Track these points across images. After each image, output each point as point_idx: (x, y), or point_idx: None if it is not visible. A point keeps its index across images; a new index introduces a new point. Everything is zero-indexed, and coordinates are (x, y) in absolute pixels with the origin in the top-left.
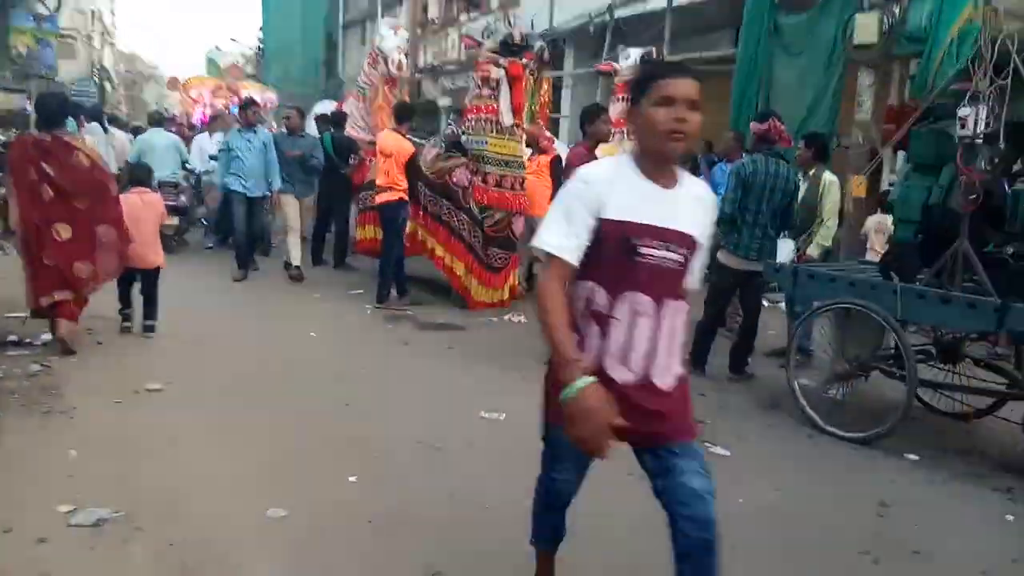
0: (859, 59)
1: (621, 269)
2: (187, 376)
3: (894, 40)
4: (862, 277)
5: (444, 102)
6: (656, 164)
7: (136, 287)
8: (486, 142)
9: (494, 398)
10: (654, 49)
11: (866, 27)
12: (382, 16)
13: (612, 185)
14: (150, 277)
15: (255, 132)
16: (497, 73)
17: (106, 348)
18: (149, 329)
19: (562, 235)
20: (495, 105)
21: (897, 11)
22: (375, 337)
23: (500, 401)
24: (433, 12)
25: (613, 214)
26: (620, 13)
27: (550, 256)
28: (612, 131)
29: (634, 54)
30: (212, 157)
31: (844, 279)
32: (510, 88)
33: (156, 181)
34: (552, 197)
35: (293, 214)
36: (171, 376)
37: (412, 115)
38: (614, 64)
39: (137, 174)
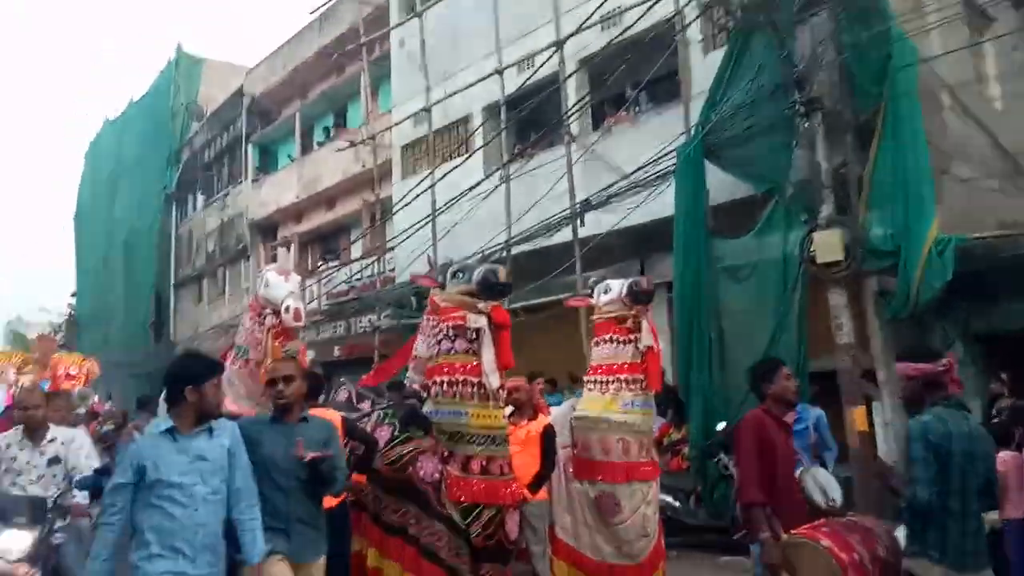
0: (826, 278)
1: None
2: None
3: (861, 255)
4: None
5: (309, 356)
6: None
7: None
8: (465, 413)
9: None
10: (644, 279)
11: (829, 245)
12: (230, 267)
13: None
14: None
15: (211, 433)
16: (477, 321)
17: None
18: None
19: None
20: (475, 363)
21: (854, 226)
22: None
23: None
24: (283, 263)
25: None
26: (519, 248)
27: None
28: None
29: (616, 286)
30: (83, 484)
31: None
32: (494, 340)
33: None
34: (540, 475)
35: None
36: None
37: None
38: (590, 299)
39: None
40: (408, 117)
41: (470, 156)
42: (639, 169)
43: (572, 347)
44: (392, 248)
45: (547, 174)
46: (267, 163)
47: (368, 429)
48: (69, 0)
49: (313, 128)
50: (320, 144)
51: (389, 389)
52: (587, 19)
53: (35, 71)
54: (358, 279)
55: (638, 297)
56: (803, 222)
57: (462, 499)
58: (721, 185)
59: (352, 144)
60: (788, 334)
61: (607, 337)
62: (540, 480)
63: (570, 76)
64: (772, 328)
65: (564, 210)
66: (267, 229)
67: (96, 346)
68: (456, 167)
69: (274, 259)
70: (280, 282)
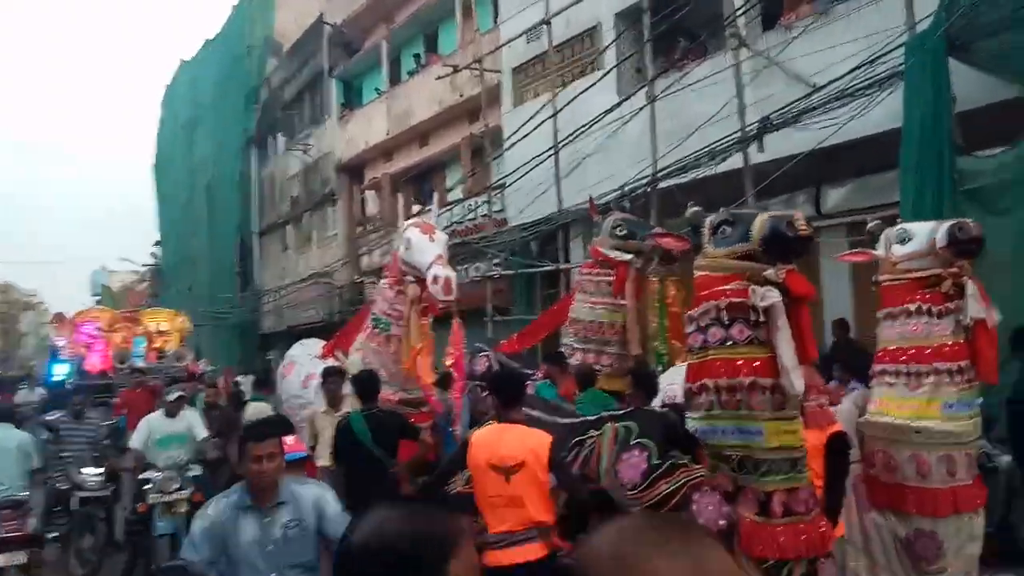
0: None
1: None
2: None
3: None
4: None
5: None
6: None
7: None
8: (759, 431)
9: None
10: (970, 222)
11: None
12: (297, 221)
13: None
14: None
15: None
16: (767, 297)
17: None
18: None
19: None
20: (766, 356)
21: None
22: None
23: None
24: (373, 208)
25: None
26: (667, 183)
27: None
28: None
29: (923, 232)
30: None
31: None
32: (791, 320)
33: None
34: (830, 506)
35: None
36: None
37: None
38: (872, 251)
39: None
40: (522, 33)
41: (606, 74)
42: (851, 72)
43: None
44: (503, 187)
45: (698, 92)
46: (352, 99)
47: (601, 452)
48: None
49: (401, 57)
50: (410, 74)
51: (547, 361)
52: None
53: (114, 13)
54: (459, 223)
55: (963, 247)
56: None
57: (766, 555)
58: (963, 87)
59: (455, 69)
60: None
61: (912, 307)
62: (831, 512)
63: None
64: None
65: (733, 132)
66: (354, 170)
67: (182, 296)
68: (587, 89)
69: (363, 203)
70: (425, 243)
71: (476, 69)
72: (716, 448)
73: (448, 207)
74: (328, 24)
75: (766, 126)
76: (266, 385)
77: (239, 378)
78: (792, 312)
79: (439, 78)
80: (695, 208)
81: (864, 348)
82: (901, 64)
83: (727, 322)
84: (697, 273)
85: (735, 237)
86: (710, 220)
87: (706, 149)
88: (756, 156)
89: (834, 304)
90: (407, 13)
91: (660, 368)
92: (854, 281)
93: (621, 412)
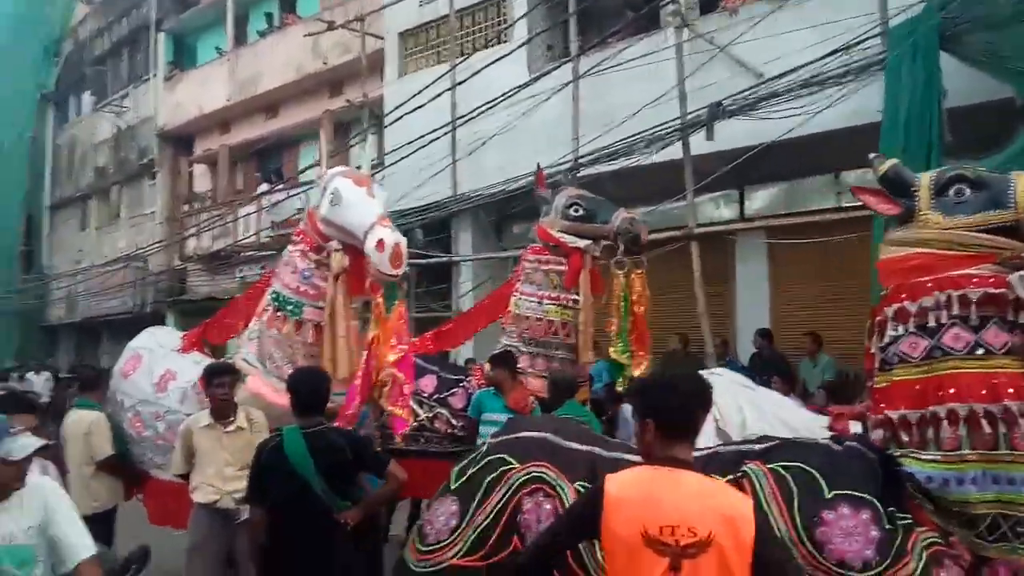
0: None
1: None
2: None
3: None
4: None
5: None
6: None
7: None
8: None
9: None
10: None
11: None
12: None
13: None
14: None
15: None
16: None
17: None
18: None
19: None
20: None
21: None
22: None
23: None
24: (203, 185)
25: None
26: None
27: None
28: None
29: None
30: None
31: None
32: None
33: None
34: None
35: None
36: None
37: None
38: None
39: None
40: None
41: (520, 47)
42: (823, 58)
43: (682, 297)
44: (382, 166)
45: (625, 74)
46: (183, 58)
47: (766, 507)
48: None
49: (249, 15)
50: (261, 34)
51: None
52: None
53: None
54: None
55: None
56: None
57: None
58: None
59: (330, 26)
60: None
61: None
62: None
63: None
64: None
65: (672, 119)
66: (181, 140)
67: None
68: (494, 62)
69: (190, 178)
70: (361, 198)
71: (355, 30)
72: (959, 503)
73: (305, 188)
74: None
75: (718, 113)
76: (95, 387)
77: (30, 375)
78: None
79: (309, 35)
80: (884, 158)
81: (786, 360)
82: (876, 55)
83: (977, 322)
84: (908, 251)
85: (980, 202)
86: (931, 176)
87: (641, 135)
88: (695, 148)
89: (750, 312)
90: None
91: (620, 380)
92: (772, 288)
93: (759, 446)
